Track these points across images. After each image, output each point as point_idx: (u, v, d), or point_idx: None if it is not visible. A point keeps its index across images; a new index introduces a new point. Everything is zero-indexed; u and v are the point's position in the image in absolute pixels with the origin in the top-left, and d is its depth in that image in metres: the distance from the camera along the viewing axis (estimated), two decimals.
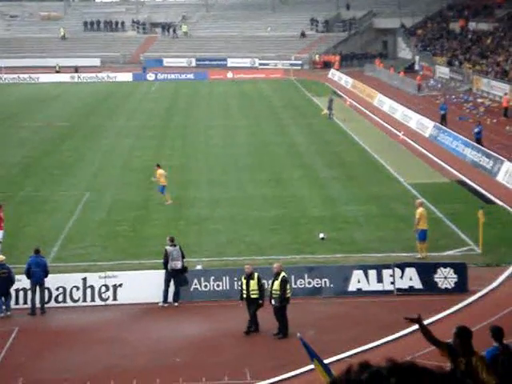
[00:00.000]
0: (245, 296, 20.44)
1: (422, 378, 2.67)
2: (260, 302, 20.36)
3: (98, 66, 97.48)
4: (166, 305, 22.53)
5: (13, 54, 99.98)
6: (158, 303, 22.56)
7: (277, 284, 20.23)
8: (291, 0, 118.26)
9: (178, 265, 22.52)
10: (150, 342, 20.19)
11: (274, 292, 20.26)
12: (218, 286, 22.71)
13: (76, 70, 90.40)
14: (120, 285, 22.68)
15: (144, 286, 22.69)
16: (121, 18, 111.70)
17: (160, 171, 32.93)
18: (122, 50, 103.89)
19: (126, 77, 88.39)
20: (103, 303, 22.64)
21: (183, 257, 22.73)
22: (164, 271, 22.59)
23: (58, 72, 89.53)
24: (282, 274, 20.40)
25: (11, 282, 21.94)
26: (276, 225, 29.48)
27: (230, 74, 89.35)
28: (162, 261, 22.77)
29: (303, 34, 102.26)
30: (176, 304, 22.56)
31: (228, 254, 26.03)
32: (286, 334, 20.14)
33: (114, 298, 22.66)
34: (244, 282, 20.52)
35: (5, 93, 76.67)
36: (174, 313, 22.17)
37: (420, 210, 25.80)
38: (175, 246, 22.77)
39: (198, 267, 24.08)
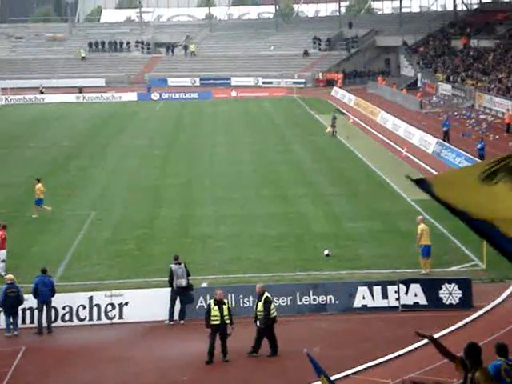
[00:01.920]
0: (218, 322, 20.02)
1: None
2: (232, 326, 20.11)
3: (103, 86, 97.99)
4: (171, 323, 22.62)
5: (18, 75, 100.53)
6: (163, 321, 22.67)
7: (260, 305, 20.24)
8: (294, 19, 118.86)
9: (183, 283, 22.63)
10: (156, 360, 20.26)
11: (258, 313, 20.23)
12: None
13: (80, 90, 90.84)
14: (126, 303, 22.78)
15: (150, 304, 22.79)
16: (125, 38, 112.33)
17: (39, 185, 34.49)
18: (127, 70, 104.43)
19: (130, 96, 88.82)
20: (109, 322, 22.74)
21: (188, 275, 22.84)
22: (169, 289, 22.72)
23: (42, 92, 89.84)
24: (266, 294, 20.36)
25: (20, 301, 22.06)
26: (280, 242, 29.59)
27: (233, 93, 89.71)
28: (167, 279, 22.90)
29: (306, 53, 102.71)
30: (182, 322, 22.65)
31: (233, 272, 26.14)
32: (276, 351, 20.13)
33: (120, 317, 22.76)
34: (216, 308, 20.13)
35: (11, 114, 77.09)
36: (180, 331, 22.26)
37: (421, 226, 25.96)
38: (180, 264, 22.89)
39: (204, 285, 24.21)
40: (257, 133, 59.58)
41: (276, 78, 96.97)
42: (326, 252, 27.43)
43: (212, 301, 20.43)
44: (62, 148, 54.14)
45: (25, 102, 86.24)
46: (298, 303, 23.00)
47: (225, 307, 20.19)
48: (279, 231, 31.06)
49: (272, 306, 20.42)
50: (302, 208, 34.96)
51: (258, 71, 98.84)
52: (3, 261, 26.33)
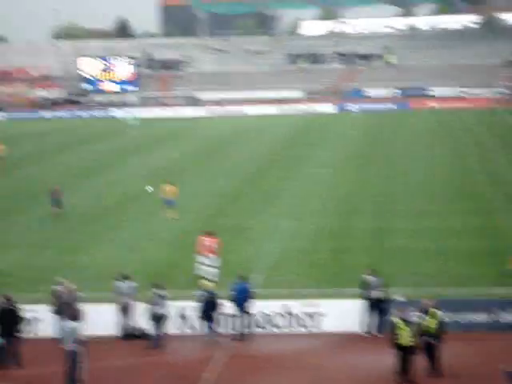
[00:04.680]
0: (404, 341, 19.56)
1: None
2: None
3: (301, 98, 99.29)
4: (368, 335, 22.45)
5: (221, 88, 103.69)
6: (360, 333, 22.52)
7: (431, 321, 19.80)
8: (497, 27, 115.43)
9: (380, 294, 22.42)
10: (348, 371, 20.18)
11: (429, 329, 19.79)
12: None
13: (279, 102, 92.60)
14: (322, 313, 22.85)
15: (346, 315, 22.70)
16: (324, 49, 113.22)
17: None
18: (325, 81, 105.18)
19: (328, 108, 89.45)
20: (305, 331, 22.87)
21: (385, 286, 22.61)
22: (366, 301, 22.55)
23: None
24: (434, 310, 19.97)
25: (215, 306, 22.57)
26: (477, 256, 28.81)
27: (433, 104, 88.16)
28: (362, 290, 22.76)
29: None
30: (379, 335, 22.31)
31: (429, 285, 25.58)
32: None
33: (316, 327, 22.84)
34: (403, 325, 19.60)
35: (216, 125, 79.79)
36: (377, 343, 21.93)
37: None
38: (376, 275, 22.71)
39: (401, 299, 23.78)
40: (455, 147, 58.23)
41: (478, 87, 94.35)
42: None
43: (398, 318, 19.99)
44: (260, 159, 55.30)
45: (226, 114, 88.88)
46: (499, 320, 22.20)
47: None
48: (476, 244, 30.25)
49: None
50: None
51: (457, 80, 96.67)
52: (216, 267, 27.27)
